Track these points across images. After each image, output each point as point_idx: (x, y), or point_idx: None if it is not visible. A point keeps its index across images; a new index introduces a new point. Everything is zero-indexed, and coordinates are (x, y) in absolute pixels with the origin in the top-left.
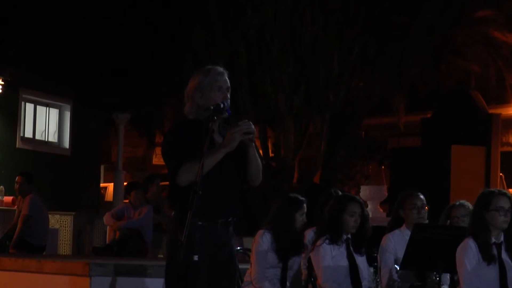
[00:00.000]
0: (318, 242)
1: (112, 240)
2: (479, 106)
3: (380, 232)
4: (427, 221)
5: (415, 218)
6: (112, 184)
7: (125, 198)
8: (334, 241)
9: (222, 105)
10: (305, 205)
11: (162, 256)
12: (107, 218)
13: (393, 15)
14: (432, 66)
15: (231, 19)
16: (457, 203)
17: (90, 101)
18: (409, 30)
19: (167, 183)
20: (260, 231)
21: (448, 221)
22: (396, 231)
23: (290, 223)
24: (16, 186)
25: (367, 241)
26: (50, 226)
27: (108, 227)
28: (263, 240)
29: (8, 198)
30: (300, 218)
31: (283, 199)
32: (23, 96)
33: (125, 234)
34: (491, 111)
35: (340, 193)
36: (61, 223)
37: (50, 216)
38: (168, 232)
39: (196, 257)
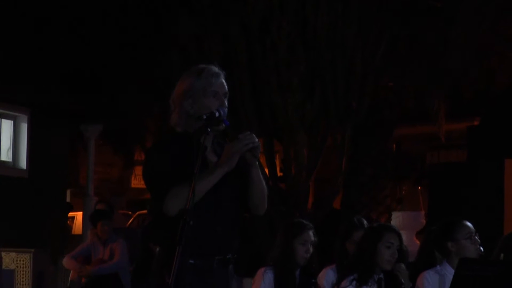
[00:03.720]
0: (343, 283)
1: (73, 283)
2: None
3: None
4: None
5: (473, 250)
6: (81, 213)
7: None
8: (364, 280)
9: (217, 114)
10: (311, 232)
11: None
12: (67, 261)
13: None
14: (480, 61)
15: (228, 7)
16: None
17: (52, 110)
18: (450, 15)
19: (145, 211)
20: (261, 269)
21: (502, 254)
22: (436, 268)
23: (287, 254)
24: None
25: (402, 281)
26: (3, 267)
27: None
28: (264, 281)
29: None
30: (302, 248)
31: (283, 226)
32: None
33: (98, 277)
34: None
35: (365, 221)
36: (17, 263)
37: (3, 254)
38: (152, 273)
39: None
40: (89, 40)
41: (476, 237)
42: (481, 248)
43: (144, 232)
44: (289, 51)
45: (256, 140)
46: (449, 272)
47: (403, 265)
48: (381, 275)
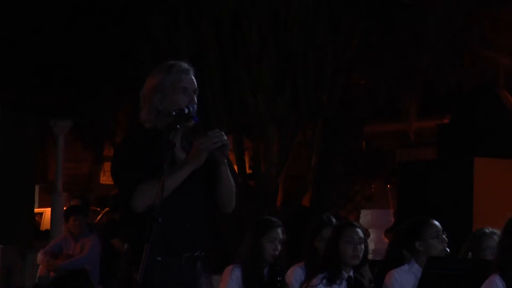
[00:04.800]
0: (314, 281)
1: (42, 278)
2: (509, 108)
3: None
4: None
5: (440, 249)
6: (50, 209)
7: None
8: (333, 279)
9: (186, 111)
10: (279, 230)
11: None
12: (39, 256)
13: None
14: (451, 59)
15: (199, 0)
16: (487, 230)
17: (21, 105)
18: (422, 12)
19: (108, 209)
20: (229, 267)
21: (470, 253)
22: (404, 267)
23: (255, 252)
24: None
25: (371, 278)
26: None
27: None
28: (232, 279)
29: None
30: (270, 245)
31: (252, 223)
32: None
33: (66, 273)
34: None
35: (333, 219)
36: None
37: None
38: (120, 269)
39: None
40: (58, 34)
41: (443, 236)
42: (447, 249)
43: (105, 228)
44: (260, 45)
45: (225, 137)
46: (417, 270)
47: (367, 268)
48: (351, 273)
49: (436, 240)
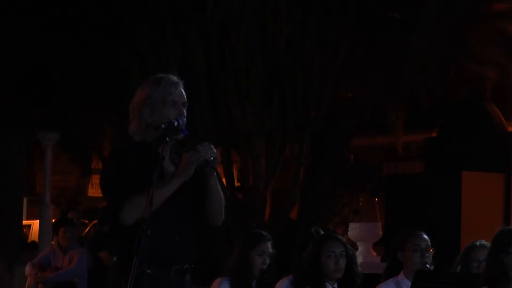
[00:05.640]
0: None
1: None
2: (496, 122)
3: (374, 281)
4: (429, 267)
5: (417, 263)
6: (38, 221)
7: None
8: None
9: (176, 124)
10: (269, 243)
11: None
12: (27, 268)
13: (390, 8)
14: (438, 72)
15: (186, 14)
16: (477, 243)
17: (8, 117)
18: (409, 26)
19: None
20: (217, 280)
21: (458, 267)
22: (392, 280)
23: (244, 265)
24: None
25: None
26: None
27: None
28: None
29: None
30: (259, 259)
31: (241, 236)
32: None
33: (54, 286)
34: (511, 128)
35: (322, 232)
36: None
37: None
38: (109, 282)
39: None
40: (46, 47)
41: (425, 251)
42: (427, 265)
43: (93, 241)
44: (248, 58)
45: (214, 151)
46: (406, 284)
47: None
48: (335, 285)
49: (414, 254)
